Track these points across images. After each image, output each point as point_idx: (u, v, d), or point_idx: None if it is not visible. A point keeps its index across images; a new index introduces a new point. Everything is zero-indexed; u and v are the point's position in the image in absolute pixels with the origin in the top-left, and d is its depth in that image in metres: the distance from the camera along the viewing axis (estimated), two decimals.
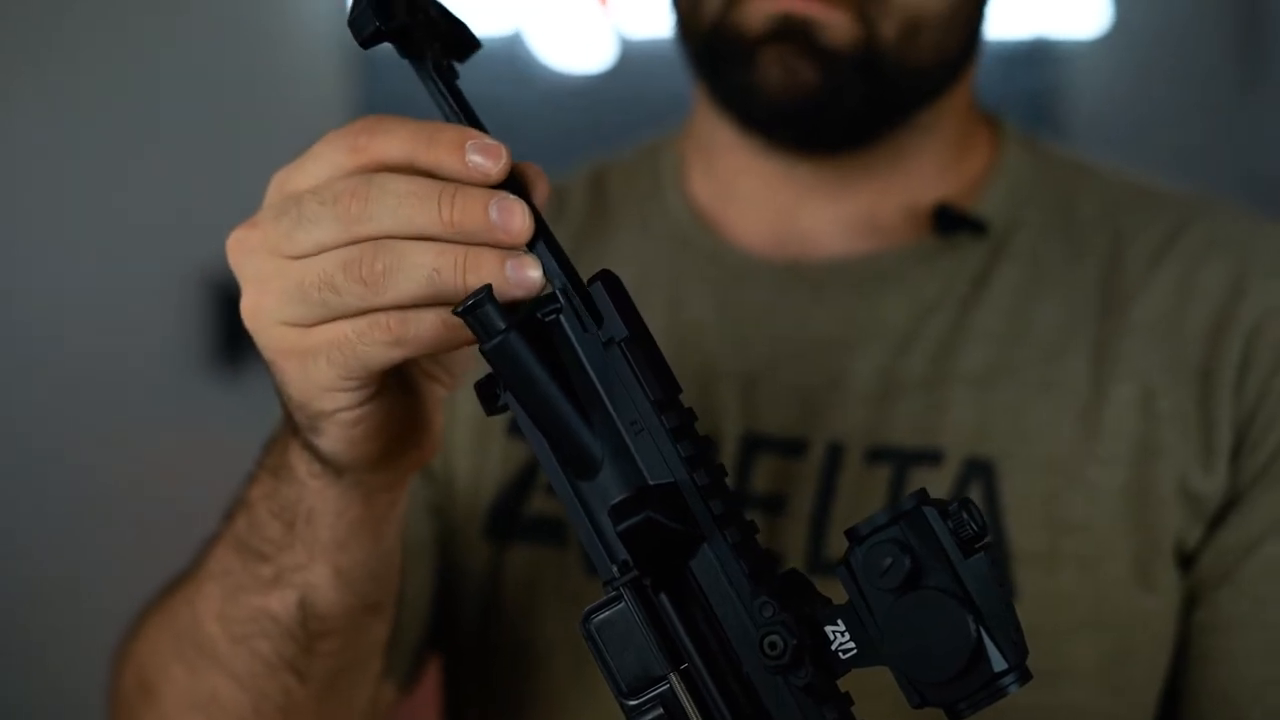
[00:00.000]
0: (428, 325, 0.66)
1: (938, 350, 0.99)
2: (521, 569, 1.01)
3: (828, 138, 1.01)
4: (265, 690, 0.85)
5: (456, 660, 1.07)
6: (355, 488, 0.76)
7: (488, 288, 0.64)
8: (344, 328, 0.66)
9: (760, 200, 1.05)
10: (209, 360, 3.63)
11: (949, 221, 1.02)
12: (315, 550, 0.79)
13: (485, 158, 0.65)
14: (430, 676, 1.09)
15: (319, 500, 0.77)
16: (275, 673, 0.84)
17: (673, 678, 0.62)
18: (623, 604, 0.62)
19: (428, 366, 0.75)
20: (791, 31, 0.95)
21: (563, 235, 1.06)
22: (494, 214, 0.64)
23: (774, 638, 0.61)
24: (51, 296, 3.52)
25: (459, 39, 0.69)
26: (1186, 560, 0.96)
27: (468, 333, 0.65)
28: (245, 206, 3.07)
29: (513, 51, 3.61)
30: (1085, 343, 0.98)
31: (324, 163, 0.67)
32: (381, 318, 0.66)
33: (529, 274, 0.64)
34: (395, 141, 0.66)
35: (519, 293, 0.64)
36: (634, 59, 3.65)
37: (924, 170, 1.04)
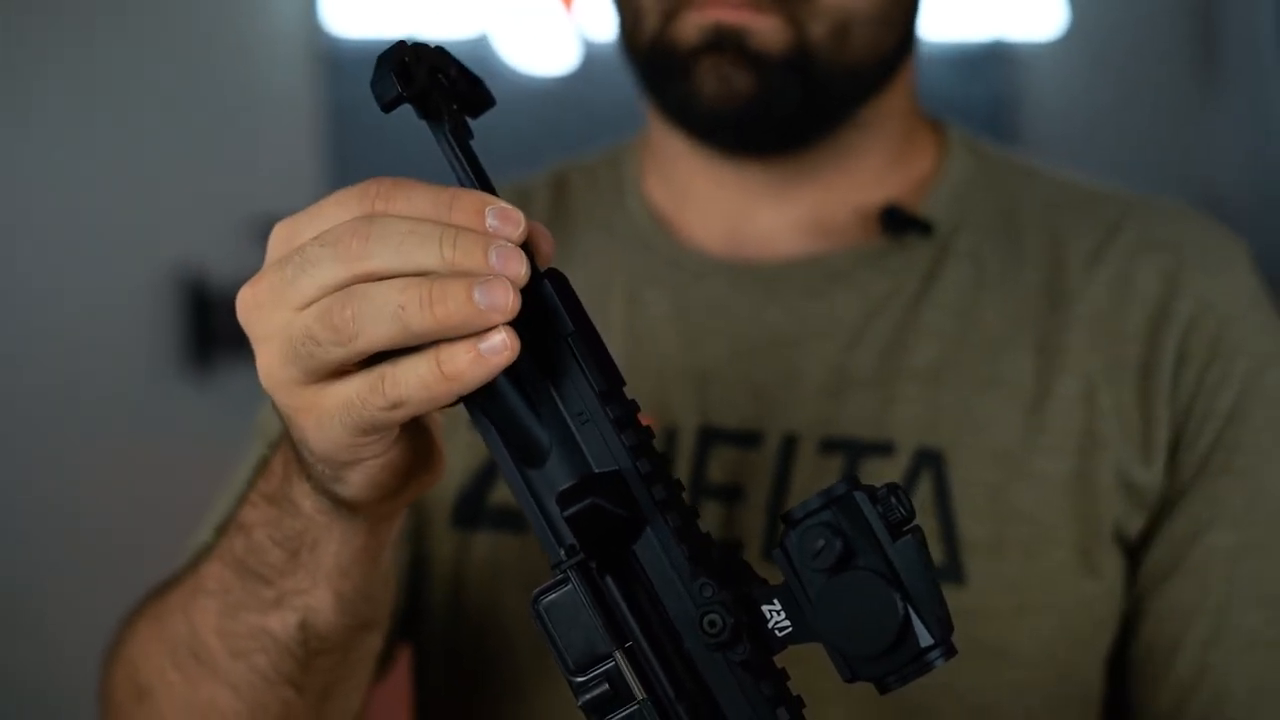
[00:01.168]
0: (416, 385, 0.65)
1: (887, 347, 1.03)
2: (486, 556, 1.04)
3: (767, 141, 1.05)
4: (263, 701, 0.86)
5: (426, 647, 1.10)
6: (363, 521, 0.78)
7: None
8: (348, 390, 0.67)
9: (713, 204, 1.09)
10: (180, 361, 3.64)
11: (896, 222, 1.05)
12: (318, 577, 0.80)
13: (504, 223, 0.65)
14: (400, 667, 1.11)
15: (324, 533, 0.78)
16: (273, 686, 0.85)
17: (618, 655, 0.65)
18: (570, 586, 0.65)
19: None
20: (724, 41, 0.99)
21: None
22: (493, 257, 0.64)
23: (713, 616, 0.64)
24: (22, 296, 3.52)
25: (475, 97, 0.71)
26: (1128, 546, 1.00)
27: (462, 386, 0.65)
28: (216, 207, 3.12)
29: (478, 54, 3.63)
30: (1030, 339, 1.01)
31: (331, 216, 0.67)
32: (376, 382, 0.66)
33: (501, 298, 0.64)
34: (414, 204, 0.66)
35: (494, 319, 0.64)
36: (598, 61, 3.68)
37: (869, 171, 1.08)
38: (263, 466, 0.82)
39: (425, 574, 1.08)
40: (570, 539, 0.66)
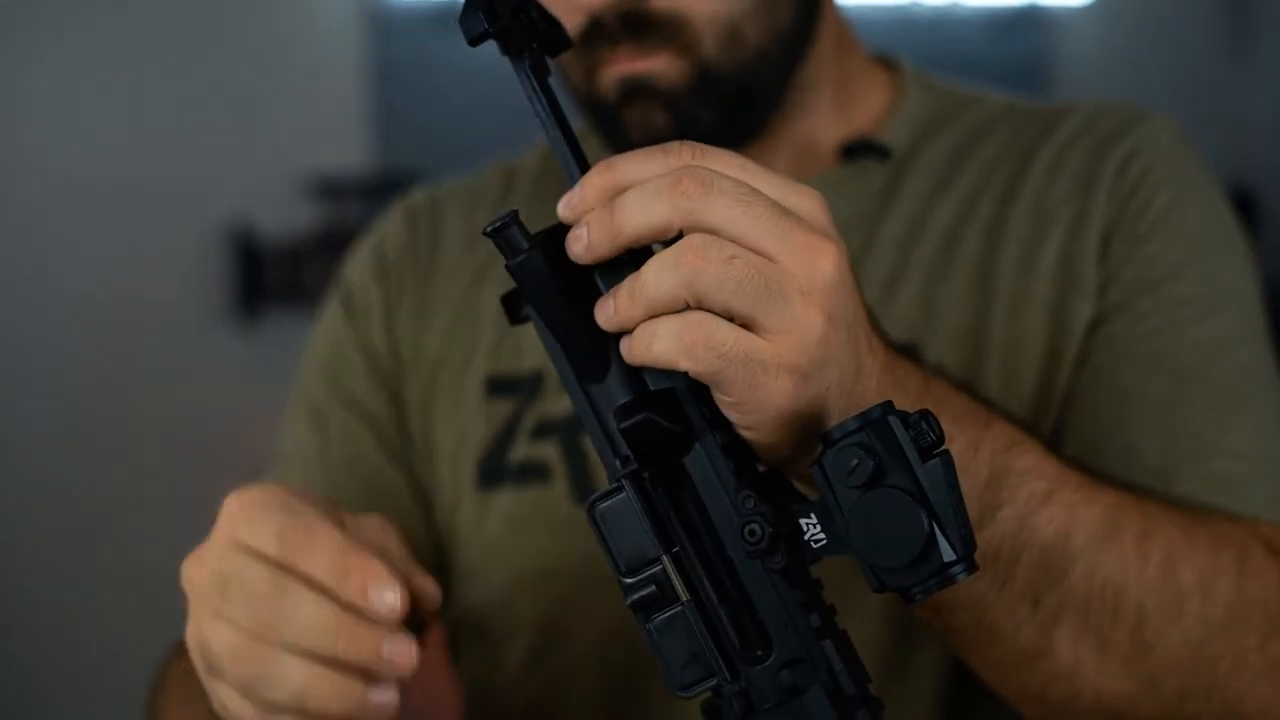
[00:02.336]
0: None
1: (854, 261, 1.06)
2: (512, 509, 1.08)
3: (713, 142, 1.09)
4: None
5: (455, 602, 1.13)
6: None
7: (514, 211, 0.71)
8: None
9: None
10: (230, 312, 3.69)
11: (854, 150, 1.10)
12: None
13: (382, 604, 0.75)
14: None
15: None
16: None
17: (664, 559, 0.69)
18: (624, 494, 0.70)
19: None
20: (634, 90, 1.02)
21: (515, 203, 1.10)
22: (385, 649, 0.75)
23: (754, 526, 0.68)
24: (76, 250, 3.56)
25: (554, 38, 0.75)
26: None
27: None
28: (265, 162, 3.20)
29: (450, 13, 3.64)
30: (979, 226, 1.06)
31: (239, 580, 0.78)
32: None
33: (400, 658, 0.76)
34: (316, 560, 0.76)
35: (396, 673, 0.76)
36: None
37: (824, 117, 1.12)
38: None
39: (449, 549, 1.12)
40: (625, 450, 0.70)
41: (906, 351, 0.79)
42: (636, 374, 0.72)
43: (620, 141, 1.05)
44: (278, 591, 0.75)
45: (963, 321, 1.04)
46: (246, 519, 0.77)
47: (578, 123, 1.09)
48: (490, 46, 0.72)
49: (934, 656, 1.01)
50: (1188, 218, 1.04)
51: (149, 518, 3.48)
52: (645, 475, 0.70)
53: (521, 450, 1.08)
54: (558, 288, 0.71)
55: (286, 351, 3.91)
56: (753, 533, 0.69)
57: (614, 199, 0.70)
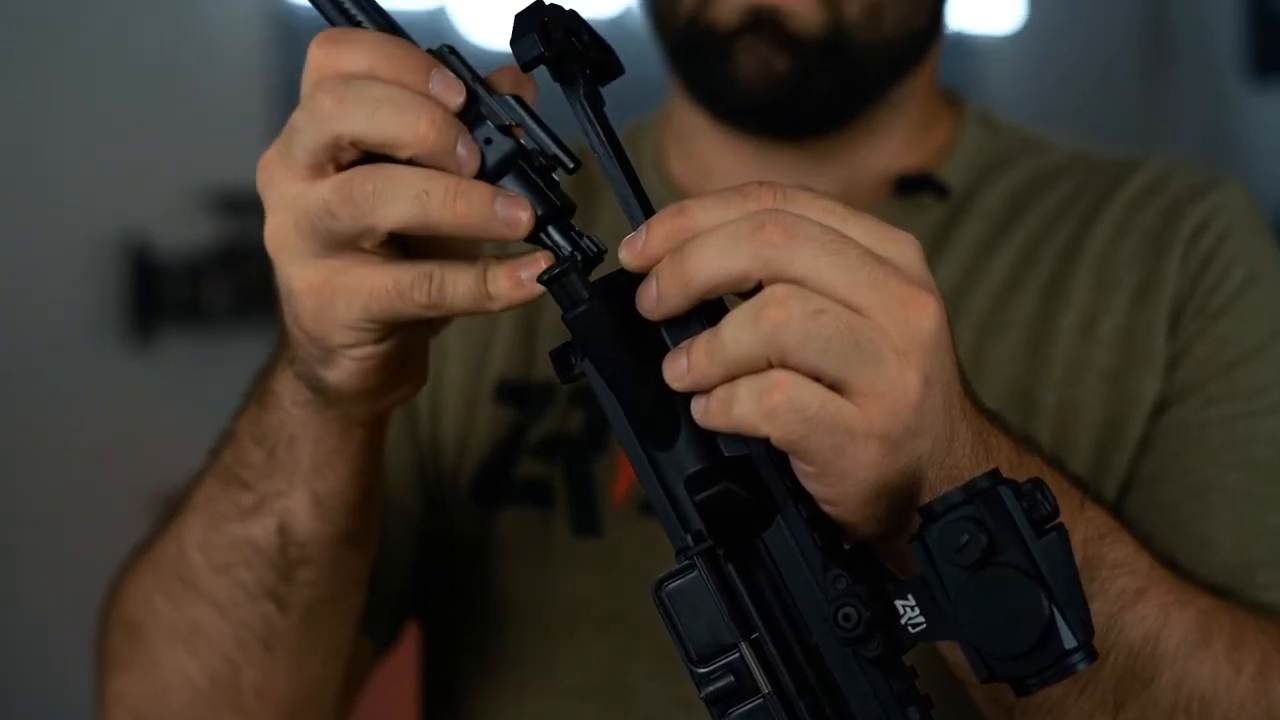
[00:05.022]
0: (461, 295, 0.68)
1: None
2: (510, 530, 1.03)
3: (800, 123, 1.06)
4: (246, 619, 0.87)
5: (440, 623, 1.08)
6: (337, 419, 0.78)
7: (573, 257, 0.66)
8: (384, 277, 0.68)
9: (737, 179, 1.08)
10: (123, 330, 3.60)
11: (912, 184, 1.06)
12: (295, 477, 0.82)
13: (445, 90, 0.67)
14: (406, 648, 1.10)
15: (300, 428, 0.80)
16: (256, 601, 0.86)
17: (743, 646, 0.63)
18: (695, 573, 0.63)
19: None
20: (762, 22, 0.99)
21: None
22: (461, 149, 0.66)
23: (848, 610, 0.62)
24: None
25: (606, 64, 0.70)
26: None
27: (494, 303, 0.68)
28: (164, 175, 3.09)
29: (436, 26, 3.60)
30: (1037, 283, 1.02)
31: (305, 80, 0.69)
32: (422, 279, 0.68)
33: (519, 214, 0.66)
34: (358, 53, 0.67)
35: (505, 231, 0.66)
36: None
37: (892, 147, 1.09)
38: (260, 372, 0.84)
39: (441, 547, 1.06)
40: (696, 524, 0.64)
41: (996, 418, 0.72)
42: (707, 437, 0.65)
43: (715, 84, 1.02)
44: (340, 86, 0.66)
45: (1013, 383, 1.00)
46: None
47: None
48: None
49: None
50: (1263, 297, 1.01)
51: (39, 542, 3.38)
52: (720, 552, 0.64)
53: (525, 467, 1.04)
54: (621, 343, 0.65)
55: (183, 373, 3.83)
56: (847, 617, 0.62)
57: (685, 245, 0.64)
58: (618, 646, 0.99)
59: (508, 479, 1.04)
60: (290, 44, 3.71)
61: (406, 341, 0.73)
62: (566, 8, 0.68)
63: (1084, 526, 0.75)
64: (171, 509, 0.92)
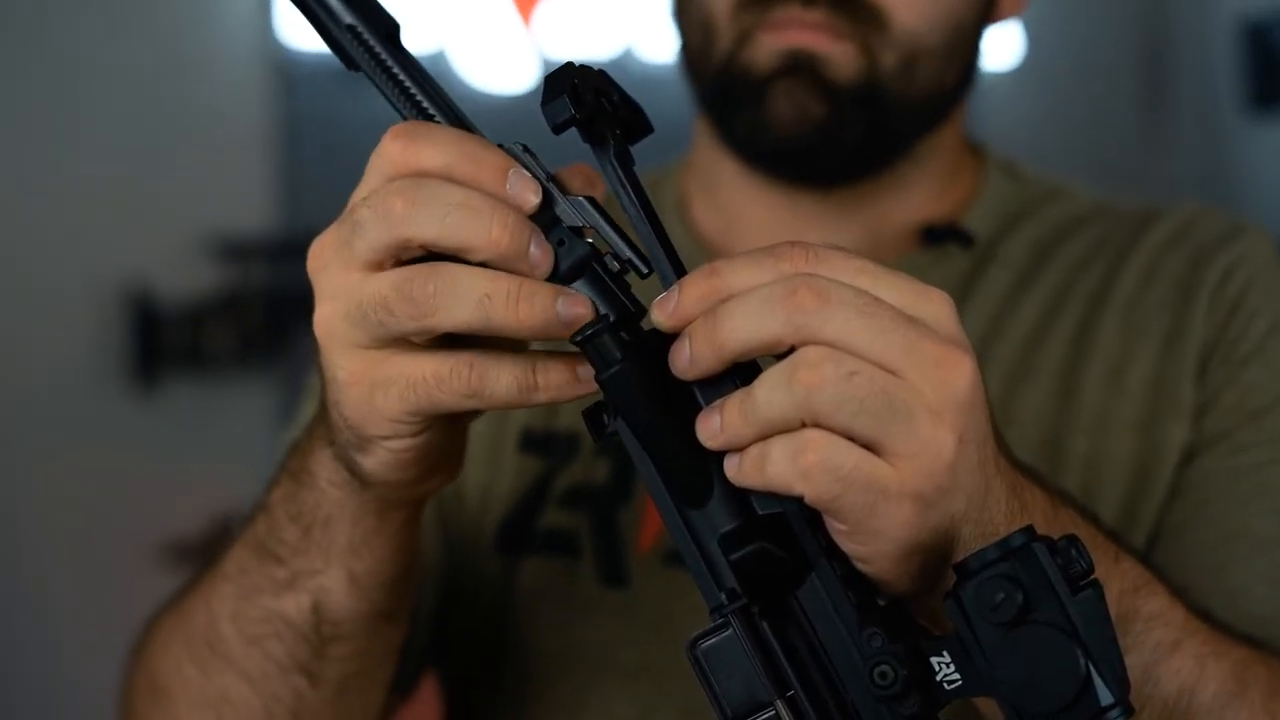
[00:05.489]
0: (504, 387, 0.67)
1: None
2: (535, 581, 1.03)
3: (831, 170, 1.06)
4: (277, 691, 0.86)
5: (464, 672, 1.08)
6: (374, 501, 0.78)
7: (606, 317, 0.65)
8: (422, 367, 0.67)
9: (764, 230, 1.09)
10: (126, 377, 3.59)
11: (938, 234, 1.07)
12: (331, 555, 0.81)
13: (521, 192, 0.66)
14: (426, 695, 1.09)
15: (336, 508, 0.79)
16: (287, 674, 0.85)
17: (779, 705, 0.63)
18: (730, 631, 0.63)
19: None
20: (799, 67, 0.99)
21: None
22: (534, 251, 0.65)
23: (884, 668, 0.62)
24: None
25: (636, 123, 0.70)
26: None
27: (541, 395, 0.67)
28: (166, 223, 3.08)
29: (435, 70, 3.60)
30: (1065, 331, 1.02)
31: (374, 170, 0.68)
32: (462, 368, 0.67)
33: (579, 313, 0.65)
34: (435, 151, 0.66)
35: (565, 332, 0.65)
36: None
37: (919, 197, 1.09)
38: (294, 446, 0.83)
39: (464, 596, 1.06)
40: (730, 582, 0.64)
41: (1030, 471, 0.72)
42: (741, 496, 0.65)
43: (749, 128, 1.02)
44: (413, 188, 0.66)
45: (1041, 432, 1.00)
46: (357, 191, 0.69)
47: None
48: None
49: None
50: None
51: (42, 588, 3.37)
52: (755, 610, 0.64)
53: (550, 517, 1.03)
54: (654, 403, 0.65)
55: (185, 420, 3.83)
56: (884, 675, 0.63)
57: (718, 308, 0.64)
58: (644, 696, 0.98)
59: (532, 529, 1.04)
60: (292, 92, 3.71)
61: (443, 433, 0.73)
62: (596, 68, 0.68)
63: (1119, 579, 0.75)
64: (201, 570, 0.92)
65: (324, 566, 0.81)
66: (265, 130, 3.70)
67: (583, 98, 0.66)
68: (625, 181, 0.67)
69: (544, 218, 0.67)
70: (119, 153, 3.52)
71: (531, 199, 0.66)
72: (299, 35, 3.71)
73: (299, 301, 3.71)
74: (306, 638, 0.84)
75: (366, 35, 0.69)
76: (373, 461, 0.73)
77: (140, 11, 3.60)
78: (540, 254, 0.65)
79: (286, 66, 3.74)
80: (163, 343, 3.56)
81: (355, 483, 0.76)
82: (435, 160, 0.66)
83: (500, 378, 0.67)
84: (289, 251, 3.66)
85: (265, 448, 3.61)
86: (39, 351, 3.47)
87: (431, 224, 0.65)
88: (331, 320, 0.69)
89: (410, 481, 0.75)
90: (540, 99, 0.66)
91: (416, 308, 0.65)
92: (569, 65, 0.67)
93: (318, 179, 3.73)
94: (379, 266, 0.67)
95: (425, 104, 0.69)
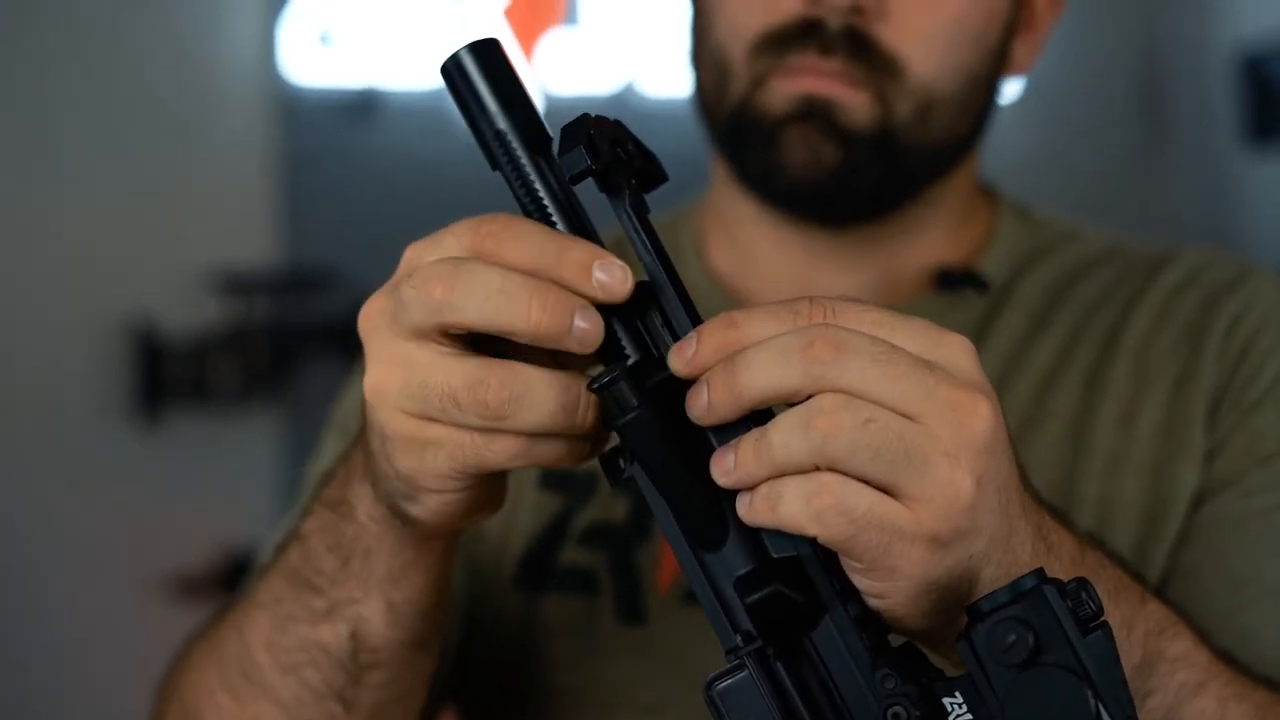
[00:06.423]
0: (553, 452, 0.69)
1: None
2: (554, 617, 1.04)
3: (844, 213, 1.07)
4: (311, 718, 0.87)
5: (484, 705, 1.08)
6: (413, 535, 0.78)
7: (623, 364, 0.66)
8: (470, 437, 0.68)
9: (779, 269, 1.10)
10: (129, 412, 3.59)
11: (953, 279, 1.08)
12: (370, 586, 0.82)
13: (610, 278, 0.66)
14: None
15: (376, 541, 0.80)
16: (323, 701, 0.86)
17: None
18: (746, 673, 0.64)
19: None
20: (814, 113, 1.00)
21: None
22: (578, 321, 0.66)
23: (898, 709, 0.63)
24: None
25: (650, 172, 0.71)
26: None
27: (583, 452, 0.69)
28: (169, 258, 3.10)
29: (439, 105, 3.61)
30: (1078, 375, 1.03)
31: (445, 248, 0.68)
32: (510, 437, 0.68)
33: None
34: (520, 249, 0.67)
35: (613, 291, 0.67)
36: (559, 117, 3.66)
37: (933, 239, 1.10)
38: (327, 476, 0.84)
39: (483, 632, 1.07)
40: (745, 624, 0.65)
41: (1057, 513, 0.73)
42: (755, 538, 0.66)
43: (763, 171, 1.03)
44: (453, 272, 0.67)
45: (1054, 475, 1.00)
46: (410, 254, 0.70)
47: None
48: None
49: None
50: None
51: (46, 622, 3.37)
52: (770, 652, 0.65)
53: (569, 554, 1.04)
54: (670, 448, 0.66)
55: (190, 454, 3.83)
56: (896, 716, 0.64)
57: (736, 355, 0.65)
58: None
59: (551, 566, 1.04)
60: (295, 126, 3.72)
61: (493, 480, 0.74)
62: (611, 119, 0.69)
63: (1145, 621, 0.76)
64: (233, 598, 0.93)
65: (362, 596, 0.82)
66: (269, 164, 3.71)
67: (599, 148, 0.67)
68: (641, 230, 0.68)
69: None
70: (123, 187, 3.53)
71: (619, 292, 0.66)
72: (302, 70, 3.73)
73: (303, 335, 3.75)
74: (344, 665, 0.84)
75: (515, 145, 0.69)
76: (419, 509, 0.74)
77: (144, 46, 3.61)
78: (588, 328, 0.66)
79: (290, 101, 3.75)
80: (167, 376, 3.57)
81: (396, 520, 0.77)
82: (519, 258, 0.67)
83: (551, 443, 0.68)
84: (293, 285, 3.67)
85: (269, 481, 3.62)
86: (43, 385, 3.47)
87: (471, 309, 0.66)
88: (386, 388, 0.69)
89: (455, 522, 0.76)
90: (557, 150, 0.67)
91: (488, 410, 0.67)
92: (585, 117, 0.68)
93: (321, 213, 3.74)
94: (429, 339, 0.68)
95: (559, 226, 0.69)
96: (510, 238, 0.67)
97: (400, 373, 0.68)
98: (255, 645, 0.87)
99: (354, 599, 0.82)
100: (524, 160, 0.69)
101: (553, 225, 0.68)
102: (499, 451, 0.68)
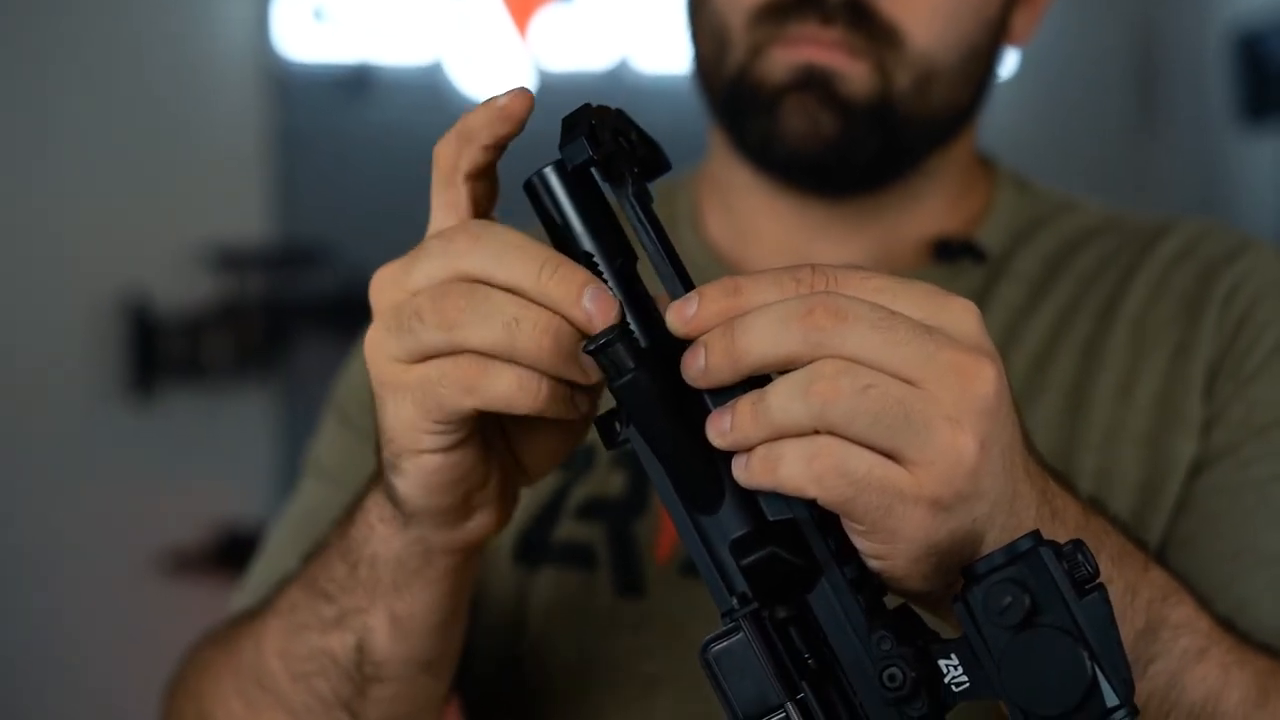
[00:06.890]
0: (503, 383, 0.68)
1: None
2: (551, 592, 1.03)
3: (842, 183, 1.06)
4: None
5: (483, 682, 1.08)
6: (417, 542, 0.78)
7: (618, 326, 0.66)
8: (429, 368, 0.68)
9: (776, 240, 1.09)
10: (123, 387, 3.59)
11: (951, 250, 1.07)
12: (375, 594, 0.81)
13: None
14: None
15: (382, 545, 0.79)
16: (331, 710, 0.86)
17: (789, 706, 0.64)
18: (741, 634, 0.64)
19: (514, 455, 0.77)
20: (812, 82, 1.00)
21: None
22: (587, 300, 0.66)
23: (893, 670, 0.63)
24: None
25: (653, 161, 0.71)
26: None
27: (540, 401, 0.68)
28: (163, 234, 3.10)
29: (432, 81, 3.61)
30: (1075, 344, 1.03)
31: (457, 240, 0.69)
32: (463, 360, 0.68)
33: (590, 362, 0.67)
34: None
35: (580, 378, 0.67)
36: (552, 91, 3.67)
37: (930, 210, 1.10)
38: (363, 489, 0.84)
39: (480, 611, 1.06)
40: (741, 587, 0.65)
41: (1061, 478, 0.73)
42: (751, 501, 0.66)
43: (761, 140, 1.02)
44: (479, 228, 0.68)
45: (1051, 446, 0.99)
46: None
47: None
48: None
49: None
50: None
51: (42, 599, 3.38)
52: (765, 614, 0.65)
53: (565, 529, 1.03)
54: (666, 410, 0.66)
55: (184, 430, 3.83)
56: (892, 678, 0.63)
57: (735, 320, 0.65)
58: (662, 706, 0.99)
59: (548, 540, 1.04)
60: (289, 102, 3.72)
61: (479, 470, 0.74)
62: (613, 108, 0.69)
63: (1148, 587, 0.76)
64: (257, 605, 0.93)
65: (368, 605, 0.82)
66: (262, 140, 3.71)
67: (600, 138, 0.67)
68: (645, 219, 0.68)
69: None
70: (117, 163, 3.53)
71: (598, 322, 0.66)
72: (296, 46, 3.72)
73: (297, 311, 3.75)
74: (350, 676, 0.84)
75: (601, 266, 0.69)
76: (404, 482, 0.74)
77: (138, 23, 3.61)
78: (594, 310, 0.66)
79: (284, 77, 3.74)
80: (160, 353, 3.58)
81: (400, 518, 0.77)
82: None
83: (501, 372, 0.67)
84: (287, 261, 3.67)
85: (263, 456, 3.62)
86: (37, 362, 3.48)
87: (486, 338, 0.66)
88: (376, 335, 0.70)
89: (444, 511, 0.75)
90: (559, 141, 0.67)
91: (443, 318, 0.67)
92: (587, 106, 0.68)
93: (315, 189, 3.74)
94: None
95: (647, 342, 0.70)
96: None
97: (387, 315, 0.69)
98: (269, 653, 0.87)
99: (360, 608, 0.82)
100: (612, 284, 0.69)
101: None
102: (451, 384, 0.68)
